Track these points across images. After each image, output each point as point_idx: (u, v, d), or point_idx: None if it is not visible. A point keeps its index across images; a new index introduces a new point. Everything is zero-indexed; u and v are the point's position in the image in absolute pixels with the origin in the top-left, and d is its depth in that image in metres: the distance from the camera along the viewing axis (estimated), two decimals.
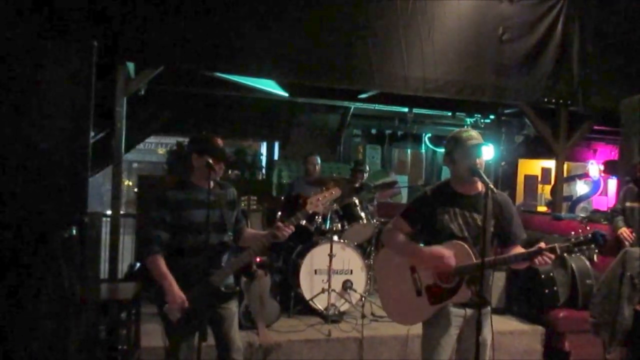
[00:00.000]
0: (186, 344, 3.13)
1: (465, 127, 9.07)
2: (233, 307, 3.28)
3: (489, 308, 2.96)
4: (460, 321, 2.96)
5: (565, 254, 4.57)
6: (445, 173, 10.64)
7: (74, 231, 3.46)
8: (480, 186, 2.91)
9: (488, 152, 2.97)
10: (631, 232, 5.09)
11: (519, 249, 2.93)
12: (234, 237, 3.29)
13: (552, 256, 2.76)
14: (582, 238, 2.74)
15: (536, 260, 2.78)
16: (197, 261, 3.08)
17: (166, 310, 3.01)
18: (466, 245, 2.87)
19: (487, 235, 2.80)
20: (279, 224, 3.16)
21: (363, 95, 7.65)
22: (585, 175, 10.92)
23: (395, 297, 3.11)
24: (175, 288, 3.00)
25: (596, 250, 2.74)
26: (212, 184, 3.11)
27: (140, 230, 6.25)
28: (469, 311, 2.94)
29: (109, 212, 5.32)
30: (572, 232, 2.81)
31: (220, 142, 3.17)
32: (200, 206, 3.11)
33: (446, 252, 2.87)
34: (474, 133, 2.95)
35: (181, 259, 3.09)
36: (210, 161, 3.06)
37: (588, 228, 2.82)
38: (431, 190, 3.06)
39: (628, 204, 5.23)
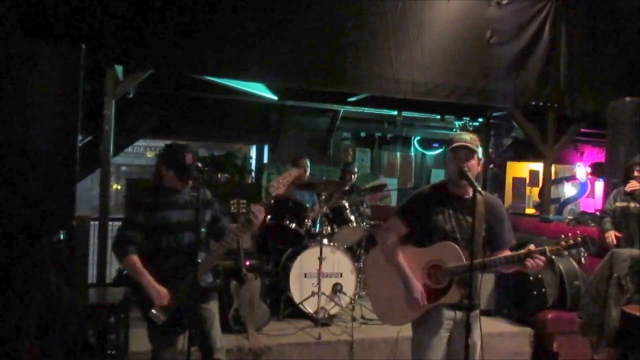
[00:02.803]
0: (170, 349, 3.13)
1: (457, 128, 9.14)
2: (213, 307, 3.30)
3: (477, 311, 2.97)
4: (450, 324, 2.96)
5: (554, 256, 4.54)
6: (435, 176, 10.69)
7: (62, 235, 3.44)
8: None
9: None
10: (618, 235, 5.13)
11: (507, 254, 2.94)
12: (216, 236, 3.29)
13: (544, 258, 2.78)
14: (572, 242, 2.76)
15: (528, 264, 2.79)
16: (175, 261, 3.11)
17: (151, 316, 3.01)
18: (457, 247, 2.88)
19: (477, 238, 2.81)
20: (251, 208, 3.16)
21: (352, 99, 7.66)
22: (572, 178, 11.01)
23: (385, 297, 3.12)
24: (155, 283, 3.02)
25: (584, 254, 2.76)
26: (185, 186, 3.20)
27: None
28: (458, 314, 2.94)
29: (97, 216, 5.27)
30: (562, 235, 2.83)
31: (189, 157, 3.16)
32: (174, 207, 3.17)
33: (420, 295, 2.91)
34: (466, 136, 2.95)
35: (159, 260, 3.11)
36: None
37: (578, 232, 2.82)
38: (428, 189, 3.08)
39: (618, 204, 5.26)
